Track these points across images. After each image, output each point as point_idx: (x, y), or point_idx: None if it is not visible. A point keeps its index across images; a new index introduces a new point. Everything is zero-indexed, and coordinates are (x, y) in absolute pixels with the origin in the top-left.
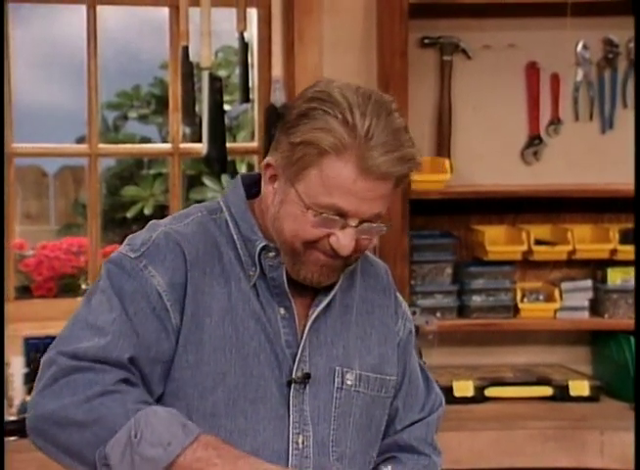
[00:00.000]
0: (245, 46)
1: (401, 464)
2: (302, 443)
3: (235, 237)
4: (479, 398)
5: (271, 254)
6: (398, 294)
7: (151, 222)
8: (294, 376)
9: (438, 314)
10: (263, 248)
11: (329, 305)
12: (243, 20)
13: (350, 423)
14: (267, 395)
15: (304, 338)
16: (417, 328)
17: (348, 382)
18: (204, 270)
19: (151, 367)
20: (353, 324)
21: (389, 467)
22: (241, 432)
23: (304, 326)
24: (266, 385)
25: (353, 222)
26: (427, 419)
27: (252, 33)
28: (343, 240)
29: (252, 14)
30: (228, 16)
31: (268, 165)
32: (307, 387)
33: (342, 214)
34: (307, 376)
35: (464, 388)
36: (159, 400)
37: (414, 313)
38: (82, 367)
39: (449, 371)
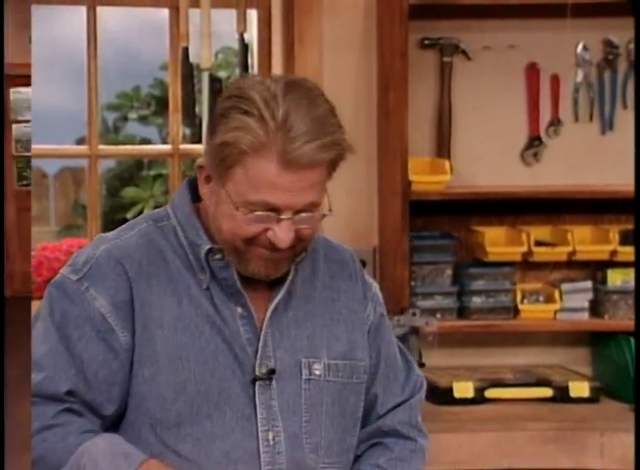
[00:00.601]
0: (245, 47)
1: (388, 450)
2: (273, 439)
3: (183, 243)
4: (478, 399)
5: (217, 255)
6: (368, 277)
7: (97, 236)
8: (257, 373)
9: (438, 315)
10: (209, 250)
11: (290, 296)
12: (243, 21)
13: (323, 413)
14: (232, 396)
15: (264, 333)
16: (417, 329)
17: (317, 372)
18: (149, 282)
19: (101, 391)
20: (318, 313)
21: None
22: (209, 437)
23: (263, 321)
24: (230, 386)
25: (287, 215)
26: (409, 401)
27: (253, 34)
28: (280, 233)
29: (252, 15)
30: (228, 17)
31: (200, 167)
32: (273, 382)
33: (274, 209)
34: (272, 371)
35: (464, 389)
36: (121, 417)
37: (414, 315)
38: None
39: (449, 372)
